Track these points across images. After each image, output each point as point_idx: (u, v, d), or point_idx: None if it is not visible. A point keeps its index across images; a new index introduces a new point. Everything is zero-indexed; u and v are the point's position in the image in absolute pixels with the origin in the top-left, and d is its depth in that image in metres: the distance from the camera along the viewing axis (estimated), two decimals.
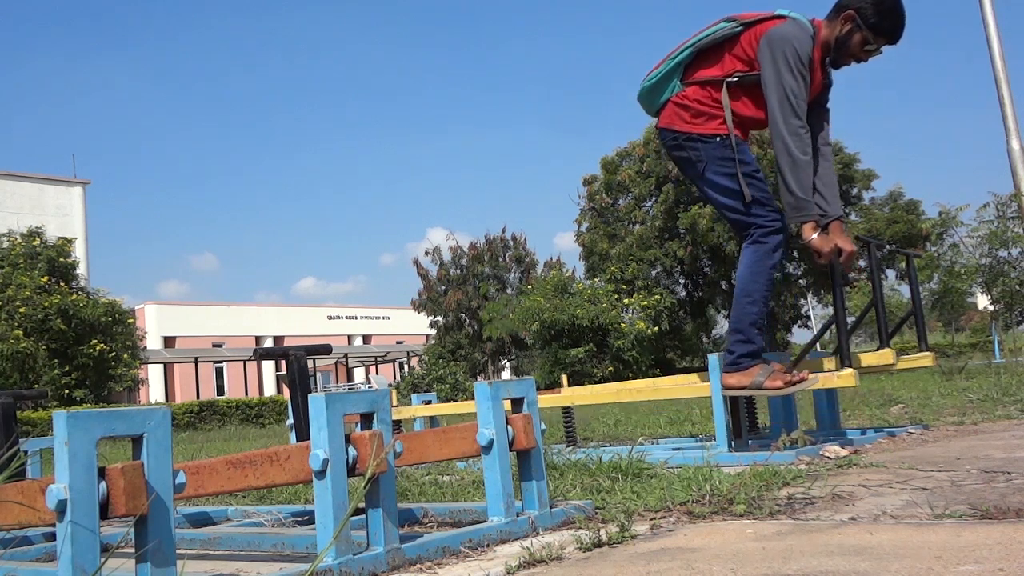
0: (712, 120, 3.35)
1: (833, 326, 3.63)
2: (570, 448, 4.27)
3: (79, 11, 72.21)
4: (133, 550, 1.52)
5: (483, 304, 30.09)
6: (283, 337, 41.29)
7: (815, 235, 3.31)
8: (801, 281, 24.39)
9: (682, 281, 25.45)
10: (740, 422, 3.72)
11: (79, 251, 28.43)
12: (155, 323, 39.26)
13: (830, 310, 3.70)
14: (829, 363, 3.70)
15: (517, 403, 2.28)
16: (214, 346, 39.00)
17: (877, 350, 3.67)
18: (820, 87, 3.43)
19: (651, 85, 3.50)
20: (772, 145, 3.32)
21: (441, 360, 28.35)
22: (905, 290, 24.55)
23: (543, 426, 2.32)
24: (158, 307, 40.50)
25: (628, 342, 21.32)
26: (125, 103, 72.11)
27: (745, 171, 3.31)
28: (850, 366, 3.44)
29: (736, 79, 3.33)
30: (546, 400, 4.28)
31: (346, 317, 46.21)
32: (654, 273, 24.44)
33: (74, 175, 36.77)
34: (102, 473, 1.47)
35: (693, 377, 4.12)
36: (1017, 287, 12.81)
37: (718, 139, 3.33)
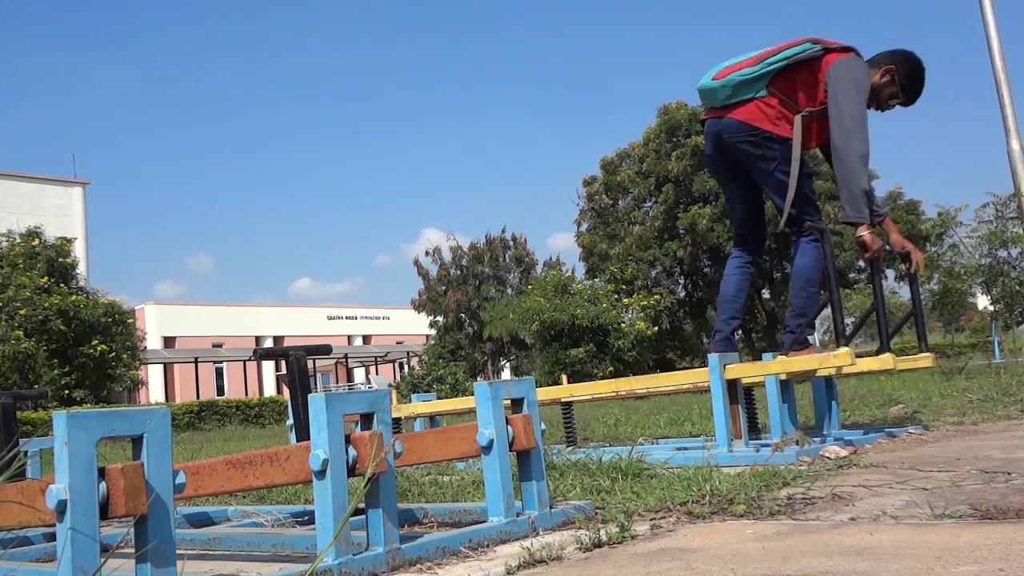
0: (789, 125, 3.66)
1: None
2: (570, 448, 4.27)
3: (79, 11, 72.27)
4: (133, 550, 1.52)
5: (483, 304, 30.09)
6: (283, 337, 41.27)
7: (866, 232, 3.62)
8: None
9: (682, 281, 25.43)
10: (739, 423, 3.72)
11: (79, 251, 28.39)
12: (155, 323, 39.25)
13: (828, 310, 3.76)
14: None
15: (517, 403, 2.28)
16: (214, 346, 38.98)
17: (877, 353, 3.67)
18: None
19: (741, 80, 3.65)
20: (843, 147, 3.52)
21: (441, 360, 28.33)
22: (905, 291, 24.53)
23: (543, 426, 2.32)
24: (158, 307, 40.47)
25: (628, 342, 21.31)
26: (125, 103, 72.16)
27: (807, 172, 3.70)
28: (846, 346, 3.45)
29: (808, 112, 3.65)
30: (544, 393, 4.29)
31: (346, 317, 46.19)
32: (654, 273, 24.41)
33: (74, 175, 36.80)
34: (102, 473, 1.47)
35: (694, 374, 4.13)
36: (1017, 287, 12.78)
37: (790, 142, 3.64)
